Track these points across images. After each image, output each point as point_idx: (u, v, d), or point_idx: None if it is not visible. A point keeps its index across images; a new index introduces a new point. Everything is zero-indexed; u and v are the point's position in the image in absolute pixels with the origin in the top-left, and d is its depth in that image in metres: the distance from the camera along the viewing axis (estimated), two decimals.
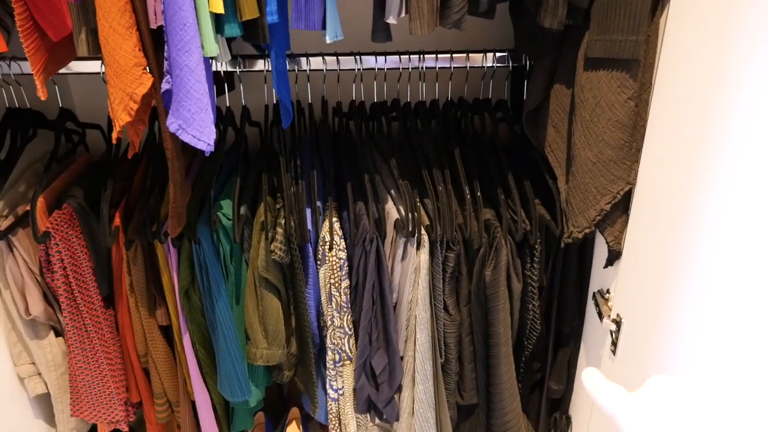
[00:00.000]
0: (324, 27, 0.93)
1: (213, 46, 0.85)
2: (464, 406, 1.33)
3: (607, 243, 1.04)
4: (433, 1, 0.92)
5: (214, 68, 1.14)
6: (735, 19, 0.65)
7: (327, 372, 1.27)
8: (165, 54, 0.84)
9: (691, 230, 0.75)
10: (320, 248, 1.18)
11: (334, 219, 1.17)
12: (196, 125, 0.85)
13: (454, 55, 1.19)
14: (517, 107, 1.32)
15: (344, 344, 1.24)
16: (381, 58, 1.19)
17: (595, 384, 0.50)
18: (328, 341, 1.24)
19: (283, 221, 1.14)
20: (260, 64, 1.17)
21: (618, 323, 1.02)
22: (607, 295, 1.10)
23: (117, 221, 1.16)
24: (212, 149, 0.88)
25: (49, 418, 1.40)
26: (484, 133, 1.32)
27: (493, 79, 1.29)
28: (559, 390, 1.35)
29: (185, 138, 0.86)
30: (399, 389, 1.28)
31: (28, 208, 1.14)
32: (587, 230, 1.05)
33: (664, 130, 0.86)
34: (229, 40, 1.06)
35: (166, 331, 1.31)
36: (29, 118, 1.28)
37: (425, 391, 1.25)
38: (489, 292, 1.18)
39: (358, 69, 1.19)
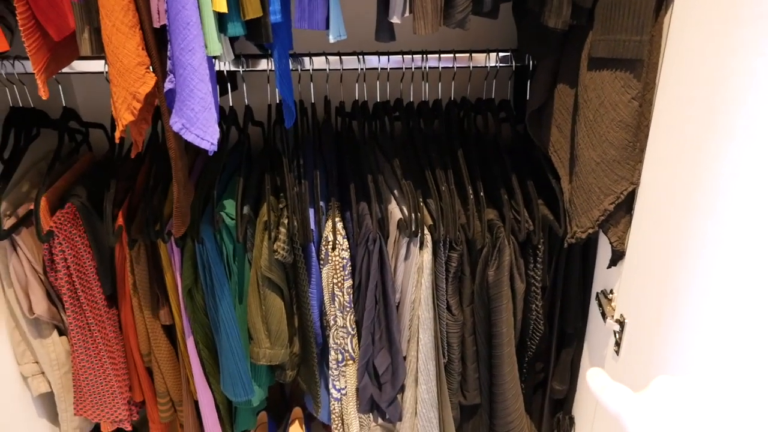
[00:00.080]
0: (327, 26, 0.93)
1: (216, 45, 0.85)
2: (467, 406, 1.33)
3: (610, 243, 1.03)
4: (437, 0, 0.92)
5: (217, 68, 1.14)
6: (739, 19, 0.65)
7: (330, 372, 1.27)
8: (168, 53, 0.84)
9: (694, 230, 0.75)
10: (323, 248, 1.18)
11: (337, 219, 1.17)
12: (199, 124, 0.85)
13: (457, 54, 1.19)
14: (520, 107, 1.32)
15: (347, 344, 1.24)
16: (384, 58, 1.19)
17: (599, 384, 0.50)
18: (331, 341, 1.24)
19: (286, 221, 1.14)
20: (263, 64, 1.17)
21: (621, 324, 1.02)
22: (611, 295, 1.10)
23: (120, 221, 1.16)
24: (216, 149, 0.88)
25: (53, 417, 1.40)
26: (487, 133, 1.32)
27: (496, 79, 1.29)
28: (562, 390, 1.35)
29: (189, 137, 0.86)
30: (402, 389, 1.28)
31: (32, 207, 1.15)
32: (591, 230, 1.04)
33: (667, 130, 0.85)
34: (232, 40, 1.06)
35: (169, 331, 1.31)
36: (33, 117, 1.28)
37: (428, 391, 1.25)
38: (492, 292, 1.18)
39: (361, 69, 1.19)
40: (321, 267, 1.20)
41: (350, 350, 1.25)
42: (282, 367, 1.30)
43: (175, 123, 0.86)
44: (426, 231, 1.15)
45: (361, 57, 1.18)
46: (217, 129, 0.88)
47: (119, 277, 1.25)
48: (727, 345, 0.70)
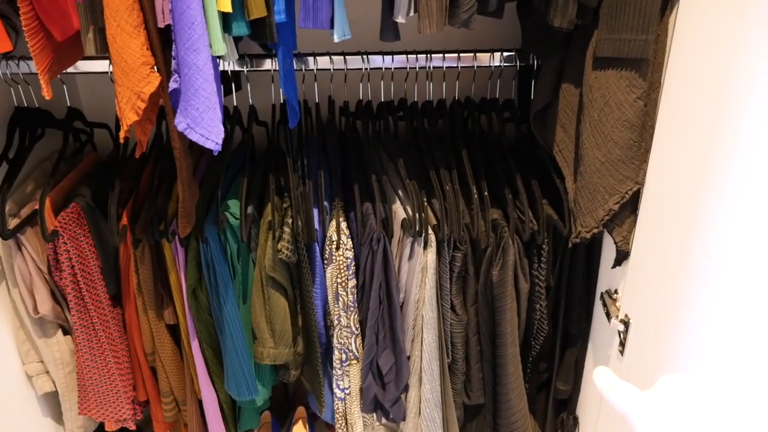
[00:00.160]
0: (332, 26, 0.93)
1: (221, 44, 0.85)
2: (471, 406, 1.33)
3: (615, 243, 1.03)
4: (442, 0, 0.91)
5: (221, 67, 1.14)
6: (745, 18, 0.65)
7: (333, 371, 1.27)
8: (173, 53, 0.84)
9: (700, 230, 0.75)
10: (327, 248, 1.18)
11: (341, 218, 1.17)
12: (204, 124, 0.85)
13: (461, 54, 1.19)
14: (525, 107, 1.32)
15: (351, 344, 1.24)
16: (388, 58, 1.19)
17: (606, 382, 0.50)
18: (335, 340, 1.24)
19: (290, 220, 1.14)
20: (267, 64, 1.17)
21: (626, 324, 1.01)
22: (615, 295, 1.10)
23: (125, 220, 1.16)
24: (220, 148, 0.88)
25: (57, 416, 1.40)
26: (491, 133, 1.32)
27: (500, 79, 1.29)
28: (566, 390, 1.34)
29: (193, 137, 0.86)
30: (406, 389, 1.28)
31: (37, 207, 1.15)
32: (595, 230, 1.04)
33: (673, 129, 0.85)
34: (236, 40, 1.06)
35: (174, 330, 1.32)
36: (37, 117, 1.28)
37: (432, 390, 1.25)
38: (496, 291, 1.18)
39: (366, 68, 1.19)
40: (325, 267, 1.20)
41: (354, 350, 1.25)
42: (286, 366, 1.30)
43: (180, 123, 0.86)
44: (430, 231, 1.15)
45: (365, 57, 1.18)
46: (222, 129, 0.89)
47: (123, 277, 1.25)
48: (733, 345, 0.69)
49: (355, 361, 1.26)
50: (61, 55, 0.95)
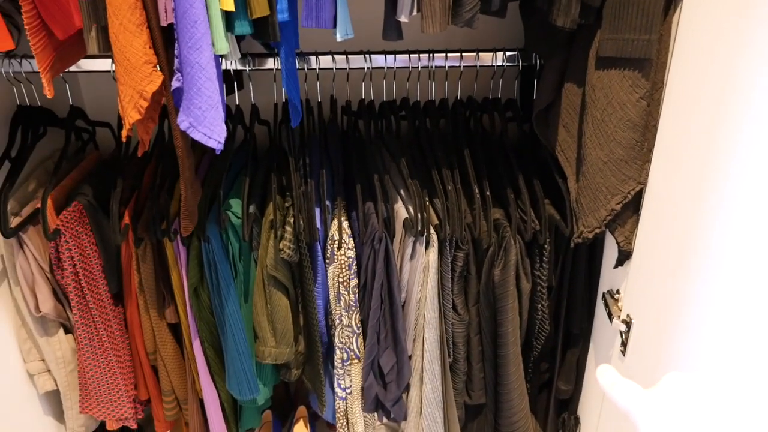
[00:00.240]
0: (335, 25, 0.93)
1: (224, 43, 0.85)
2: (472, 405, 1.33)
3: (617, 243, 1.03)
4: None
5: (223, 67, 1.14)
6: (748, 18, 0.65)
7: (335, 371, 1.27)
8: (175, 51, 0.84)
9: (702, 230, 0.74)
10: (329, 247, 1.18)
11: (343, 218, 1.17)
12: (206, 123, 0.85)
13: (463, 53, 1.19)
14: (527, 106, 1.32)
15: (352, 343, 1.24)
16: (390, 57, 1.19)
17: (609, 380, 0.50)
18: (336, 340, 1.24)
19: (292, 220, 1.14)
20: (270, 63, 1.17)
21: (628, 324, 1.01)
22: (617, 295, 1.10)
23: (126, 219, 1.16)
24: (222, 147, 0.88)
25: (59, 414, 1.41)
26: (493, 133, 1.32)
27: (502, 79, 1.28)
28: (567, 390, 1.34)
29: (196, 136, 0.86)
30: (407, 388, 1.28)
31: (39, 205, 1.15)
32: (597, 230, 1.04)
33: (675, 129, 0.85)
34: (239, 39, 1.06)
35: (175, 329, 1.32)
36: (40, 115, 1.28)
37: (433, 390, 1.25)
38: (498, 291, 1.18)
39: (368, 68, 1.19)
40: (327, 266, 1.19)
41: (355, 349, 1.25)
42: (287, 365, 1.30)
43: (183, 122, 0.86)
44: (432, 230, 1.15)
45: (367, 56, 1.18)
46: (224, 128, 0.88)
47: (125, 276, 1.25)
48: (735, 345, 0.69)
49: (356, 361, 1.26)
50: (63, 54, 0.95)
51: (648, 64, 0.89)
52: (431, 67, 1.20)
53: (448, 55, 1.19)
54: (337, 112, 1.36)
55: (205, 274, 1.18)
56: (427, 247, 1.16)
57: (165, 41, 0.87)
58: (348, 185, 1.26)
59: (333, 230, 1.17)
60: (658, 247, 0.90)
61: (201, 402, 1.36)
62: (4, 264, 1.22)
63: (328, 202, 1.20)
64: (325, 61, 1.18)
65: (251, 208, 1.17)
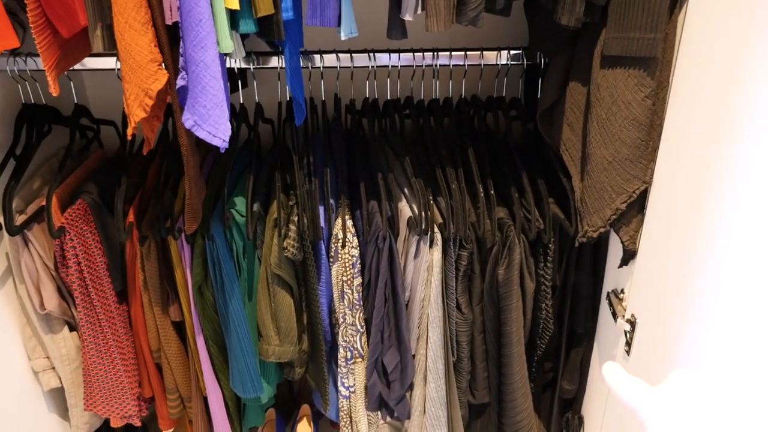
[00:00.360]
0: (339, 24, 0.93)
1: (228, 42, 0.85)
2: (476, 404, 1.33)
3: (622, 243, 1.03)
4: None
5: (227, 65, 1.14)
6: (753, 18, 0.64)
7: (338, 369, 1.27)
8: (180, 50, 0.84)
9: (707, 230, 0.74)
10: (333, 245, 1.18)
11: (347, 216, 1.17)
12: (211, 121, 0.85)
13: (468, 52, 1.19)
14: (531, 105, 1.31)
15: (356, 342, 1.24)
16: (395, 55, 1.19)
17: (616, 378, 0.50)
18: (340, 339, 1.24)
19: (296, 218, 1.15)
20: (274, 61, 1.17)
21: (632, 323, 1.01)
22: (622, 295, 1.09)
23: (131, 217, 1.16)
24: (227, 146, 0.88)
25: (63, 412, 1.41)
26: (497, 131, 1.32)
27: (507, 77, 1.28)
28: (571, 390, 1.34)
29: (201, 134, 0.86)
30: (410, 387, 1.28)
31: (44, 203, 1.15)
32: (602, 229, 1.04)
33: (680, 128, 0.85)
34: (243, 37, 1.06)
35: (179, 327, 1.32)
36: (44, 114, 1.28)
37: (437, 389, 1.25)
38: (502, 290, 1.18)
39: (372, 66, 1.19)
40: (330, 265, 1.20)
41: (359, 348, 1.25)
42: (291, 364, 1.30)
43: (187, 120, 0.86)
44: (436, 229, 1.15)
45: (371, 54, 1.18)
46: (229, 126, 0.89)
47: (130, 274, 1.25)
48: (741, 345, 0.69)
49: (360, 359, 1.26)
50: (68, 52, 0.96)
51: (653, 63, 0.89)
52: (435, 65, 1.20)
53: (453, 53, 1.19)
54: (341, 110, 1.36)
55: (209, 272, 1.18)
56: (431, 246, 1.16)
57: (170, 39, 0.87)
58: (352, 184, 1.26)
59: (337, 229, 1.17)
60: (663, 246, 0.90)
61: (205, 400, 1.36)
62: (9, 261, 1.22)
63: (332, 201, 1.20)
64: (330, 59, 1.18)
65: (255, 207, 1.17)
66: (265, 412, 1.46)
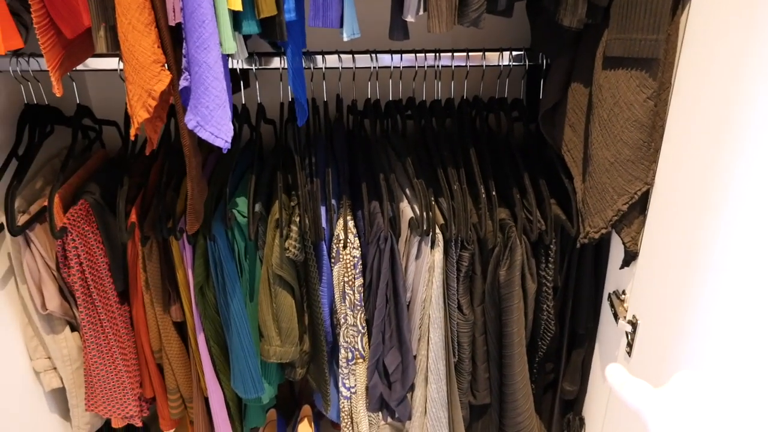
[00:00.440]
0: (341, 25, 0.93)
1: (231, 43, 0.85)
2: (477, 405, 1.33)
3: (623, 244, 1.03)
4: None
5: (229, 65, 1.14)
6: (755, 19, 0.65)
7: (340, 370, 1.27)
8: (183, 51, 0.84)
9: (709, 231, 0.74)
10: (334, 246, 1.18)
11: (349, 217, 1.17)
12: (214, 122, 0.86)
13: (470, 53, 1.19)
14: (533, 106, 1.31)
15: (357, 342, 1.24)
16: (397, 56, 1.19)
17: (619, 380, 0.50)
18: (341, 339, 1.24)
19: (297, 219, 1.15)
20: (276, 62, 1.17)
21: (634, 325, 1.01)
22: (623, 296, 1.09)
23: (133, 217, 1.16)
24: (229, 146, 0.88)
25: (64, 412, 1.41)
26: (499, 132, 1.32)
27: (509, 78, 1.28)
28: (572, 391, 1.34)
29: (203, 135, 0.86)
30: (412, 388, 1.28)
31: (46, 203, 1.15)
32: (604, 231, 1.04)
33: (682, 130, 0.85)
34: (245, 38, 1.06)
35: (181, 328, 1.32)
36: (47, 114, 1.29)
37: (438, 390, 1.25)
38: (503, 291, 1.18)
39: (374, 67, 1.19)
40: (332, 265, 1.20)
41: (360, 349, 1.25)
42: (292, 364, 1.30)
43: (190, 120, 0.86)
44: (437, 230, 1.15)
45: (373, 55, 1.18)
46: (231, 127, 0.89)
47: (131, 274, 1.25)
48: (742, 346, 0.69)
49: (361, 360, 1.26)
50: (71, 53, 0.96)
51: (655, 64, 0.89)
52: (437, 66, 1.20)
53: (455, 54, 1.19)
54: (343, 111, 1.36)
55: (211, 272, 1.18)
56: (432, 247, 1.16)
57: (173, 40, 0.87)
58: (354, 184, 1.26)
59: (338, 229, 1.17)
60: (665, 247, 0.90)
61: (206, 400, 1.36)
62: (11, 262, 1.22)
63: (333, 202, 1.20)
64: (332, 60, 1.18)
65: (257, 207, 1.17)
66: (266, 413, 1.46)
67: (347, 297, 1.20)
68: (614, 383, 0.50)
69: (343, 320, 1.23)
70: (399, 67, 1.20)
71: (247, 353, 1.22)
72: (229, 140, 0.88)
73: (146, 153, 1.00)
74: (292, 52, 0.97)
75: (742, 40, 0.68)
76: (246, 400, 1.35)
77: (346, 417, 1.32)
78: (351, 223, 1.17)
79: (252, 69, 1.18)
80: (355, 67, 1.19)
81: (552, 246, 1.17)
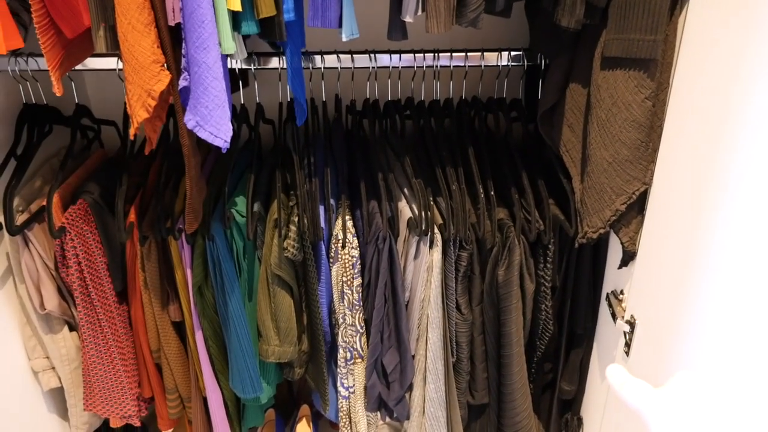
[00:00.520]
0: (340, 25, 0.93)
1: (230, 43, 0.86)
2: (475, 405, 1.33)
3: (621, 244, 1.03)
4: None
5: (229, 65, 1.15)
6: (754, 19, 0.65)
7: (338, 370, 1.27)
8: (183, 51, 0.85)
9: (707, 231, 0.74)
10: (333, 246, 1.18)
11: (347, 217, 1.17)
12: (213, 122, 0.86)
13: (468, 53, 1.19)
14: (532, 106, 1.32)
15: (356, 342, 1.24)
16: (395, 56, 1.19)
17: (619, 380, 0.50)
18: (340, 339, 1.24)
19: (296, 219, 1.15)
20: (275, 62, 1.18)
21: (632, 324, 1.01)
22: (621, 296, 1.10)
23: (131, 217, 1.16)
24: (228, 146, 0.88)
25: (62, 412, 1.41)
26: (498, 133, 1.32)
27: (507, 78, 1.29)
28: (570, 391, 1.34)
29: (203, 135, 0.86)
30: (410, 388, 1.28)
31: (44, 203, 1.15)
32: (602, 231, 1.04)
33: (680, 130, 0.85)
34: (244, 37, 1.06)
35: (179, 327, 1.32)
36: (45, 114, 1.28)
37: (436, 390, 1.25)
38: (501, 291, 1.18)
39: (373, 67, 1.19)
40: (331, 265, 1.20)
41: (359, 348, 1.25)
42: (290, 364, 1.30)
43: (189, 120, 0.86)
44: (436, 230, 1.15)
45: (372, 55, 1.18)
46: (230, 127, 0.89)
47: (130, 274, 1.25)
48: (740, 346, 0.69)
49: (359, 360, 1.26)
50: (71, 52, 0.96)
51: (653, 65, 0.89)
52: (436, 66, 1.20)
53: (453, 54, 1.19)
54: (342, 111, 1.36)
55: (210, 272, 1.18)
56: (431, 247, 1.16)
57: (173, 41, 0.87)
58: (352, 184, 1.27)
59: (337, 229, 1.17)
60: (663, 247, 0.90)
61: (204, 400, 1.36)
62: (9, 261, 1.22)
63: (332, 201, 1.20)
64: (330, 60, 1.19)
65: (256, 207, 1.17)
66: (265, 413, 1.46)
67: (346, 297, 1.20)
68: (614, 383, 0.50)
69: (341, 320, 1.23)
70: (398, 68, 1.20)
71: (246, 353, 1.22)
72: (228, 140, 0.88)
73: (145, 153, 1.00)
74: (291, 52, 0.98)
75: (740, 41, 0.68)
76: (244, 399, 1.35)
77: (344, 417, 1.32)
78: (349, 223, 1.17)
79: (251, 69, 1.18)
80: (354, 67, 1.19)
81: (550, 246, 1.17)
